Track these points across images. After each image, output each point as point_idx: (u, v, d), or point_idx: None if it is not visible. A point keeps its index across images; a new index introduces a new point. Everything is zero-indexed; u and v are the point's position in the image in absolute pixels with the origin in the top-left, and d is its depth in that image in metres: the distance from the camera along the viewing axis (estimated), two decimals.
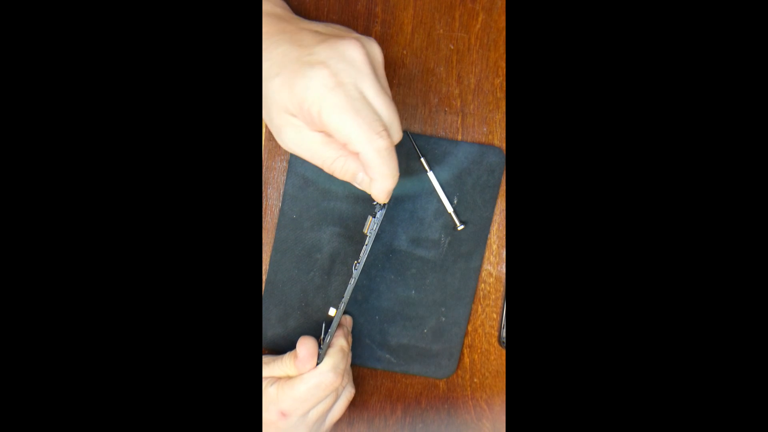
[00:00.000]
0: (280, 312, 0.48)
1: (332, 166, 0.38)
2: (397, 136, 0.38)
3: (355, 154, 0.37)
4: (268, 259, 0.48)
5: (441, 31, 0.48)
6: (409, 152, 0.47)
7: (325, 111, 0.36)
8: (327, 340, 0.44)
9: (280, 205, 0.48)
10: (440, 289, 0.49)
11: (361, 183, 0.39)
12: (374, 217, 0.43)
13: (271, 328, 0.49)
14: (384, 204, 0.42)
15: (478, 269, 0.49)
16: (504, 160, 0.48)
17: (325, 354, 0.44)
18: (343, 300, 0.44)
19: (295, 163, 0.47)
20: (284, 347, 0.49)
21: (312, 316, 0.48)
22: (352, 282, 0.44)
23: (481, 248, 0.48)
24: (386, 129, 0.37)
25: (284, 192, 0.48)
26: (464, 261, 0.48)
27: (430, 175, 0.47)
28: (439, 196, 0.48)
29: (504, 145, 0.48)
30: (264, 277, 0.48)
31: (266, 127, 0.48)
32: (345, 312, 0.49)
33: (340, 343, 0.44)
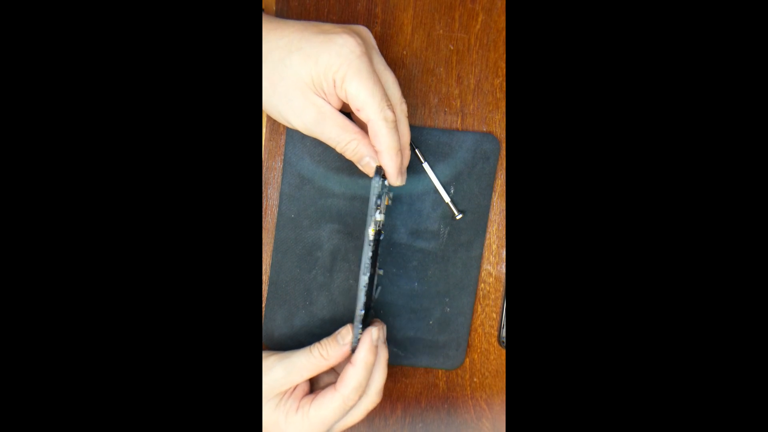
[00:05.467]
0: (285, 312, 0.48)
1: (346, 146, 0.42)
2: (404, 106, 0.43)
3: (364, 124, 0.41)
4: (270, 260, 0.48)
5: (441, 31, 0.48)
6: None
7: (350, 76, 0.39)
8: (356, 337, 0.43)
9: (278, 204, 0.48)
10: (443, 280, 0.49)
11: (365, 166, 0.42)
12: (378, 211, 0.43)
13: (277, 329, 0.49)
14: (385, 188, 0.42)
15: (479, 258, 0.49)
16: (498, 146, 0.48)
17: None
18: (360, 300, 0.43)
19: (290, 161, 0.47)
20: (291, 347, 0.49)
21: (317, 315, 0.48)
22: (365, 280, 0.43)
23: (480, 237, 0.48)
24: (394, 105, 0.41)
25: (281, 191, 0.48)
26: (465, 250, 0.48)
27: (425, 166, 0.47)
28: (435, 187, 0.48)
29: (503, 144, 0.48)
30: (266, 278, 0.48)
31: (266, 124, 0.48)
32: (378, 317, 0.48)
33: (364, 358, 0.42)
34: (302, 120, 0.41)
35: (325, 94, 0.40)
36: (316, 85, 0.40)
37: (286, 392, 0.43)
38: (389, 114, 0.40)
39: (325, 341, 0.43)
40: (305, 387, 0.44)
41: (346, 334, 0.43)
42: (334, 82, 0.40)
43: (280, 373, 0.42)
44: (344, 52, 0.39)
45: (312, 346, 0.43)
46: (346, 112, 0.42)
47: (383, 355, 0.43)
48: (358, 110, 0.40)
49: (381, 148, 0.41)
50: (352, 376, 0.42)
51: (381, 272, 0.48)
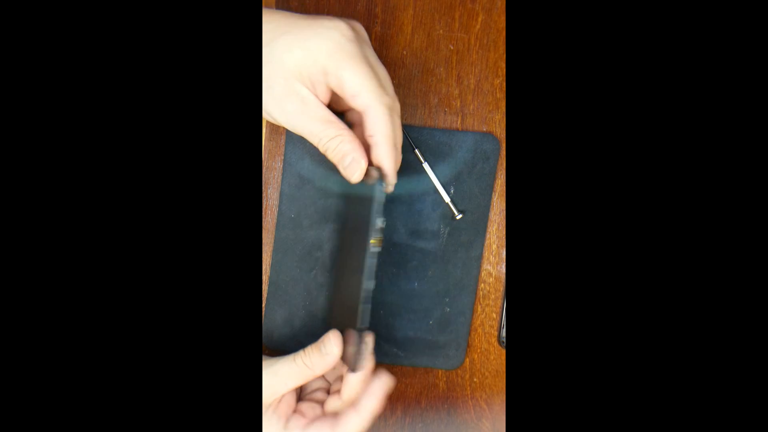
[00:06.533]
0: (285, 313, 0.48)
1: (328, 143, 0.38)
2: (398, 104, 0.39)
3: (358, 113, 0.38)
4: (270, 260, 0.48)
5: (441, 31, 0.48)
6: (403, 145, 0.47)
7: (343, 61, 0.36)
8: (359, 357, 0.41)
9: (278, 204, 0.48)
10: (443, 280, 0.48)
11: (348, 168, 0.39)
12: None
13: (277, 329, 0.49)
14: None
15: (479, 258, 0.49)
16: (498, 146, 0.48)
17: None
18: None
19: (290, 161, 0.47)
20: (291, 348, 0.48)
21: (317, 315, 0.48)
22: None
23: (480, 237, 0.48)
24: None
25: (281, 191, 0.48)
26: (465, 250, 0.48)
27: (426, 166, 0.47)
28: (435, 187, 0.48)
29: (503, 144, 0.48)
30: (266, 278, 0.48)
31: (266, 124, 0.48)
32: (378, 317, 0.46)
33: (371, 409, 0.40)
34: (283, 109, 0.37)
35: (311, 83, 0.37)
36: (302, 73, 0.37)
37: (272, 404, 0.41)
38: (389, 99, 0.37)
39: (309, 350, 0.41)
40: (291, 400, 0.42)
41: (328, 342, 0.41)
42: (325, 69, 0.37)
43: (264, 383, 0.40)
44: (335, 35, 0.36)
45: (296, 355, 0.41)
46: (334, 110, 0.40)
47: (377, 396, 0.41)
48: (354, 96, 0.37)
49: (379, 138, 0.38)
50: (355, 424, 0.40)
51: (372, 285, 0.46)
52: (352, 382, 0.41)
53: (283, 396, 0.42)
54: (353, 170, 0.39)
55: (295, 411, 0.42)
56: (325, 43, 0.36)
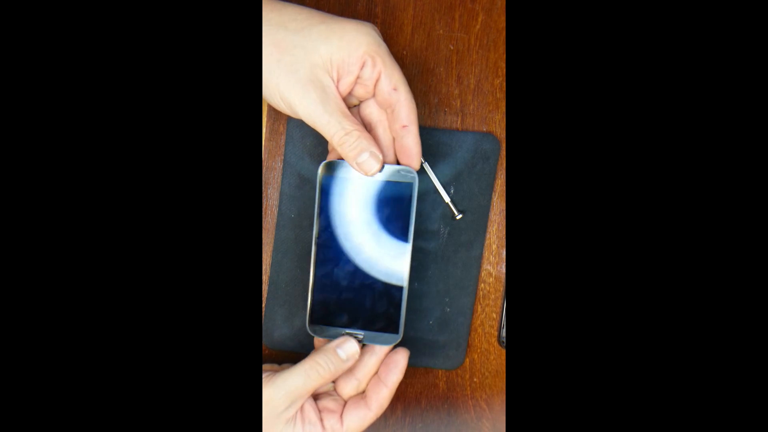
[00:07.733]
0: (285, 312, 0.48)
1: (345, 137, 0.39)
2: None
3: (388, 106, 0.41)
4: (270, 260, 0.48)
5: (441, 31, 0.48)
6: None
7: (384, 56, 0.39)
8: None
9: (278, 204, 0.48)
10: (443, 280, 0.48)
11: (362, 163, 0.40)
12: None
13: (277, 328, 0.49)
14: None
15: (480, 258, 0.48)
16: (498, 146, 0.48)
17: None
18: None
19: (290, 161, 0.47)
20: (291, 347, 0.49)
21: None
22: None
23: (481, 237, 0.48)
24: None
25: (281, 191, 0.48)
26: (465, 250, 0.48)
27: (425, 166, 0.47)
28: (435, 187, 0.48)
29: (503, 144, 0.48)
30: (266, 278, 0.48)
31: (266, 125, 0.48)
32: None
33: (397, 382, 0.44)
34: (304, 95, 0.38)
35: (338, 74, 0.39)
36: (333, 63, 0.38)
37: (294, 417, 0.42)
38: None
39: (323, 360, 0.41)
40: (312, 402, 0.43)
41: (349, 346, 0.42)
42: (364, 61, 0.39)
43: (283, 405, 0.41)
44: (373, 33, 0.39)
45: (309, 366, 0.41)
46: None
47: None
48: (393, 90, 0.40)
49: (412, 128, 0.41)
50: (386, 397, 0.42)
51: None
52: (371, 362, 0.43)
53: (302, 406, 0.42)
54: (371, 165, 0.40)
55: (320, 410, 0.43)
56: (365, 38, 0.39)
